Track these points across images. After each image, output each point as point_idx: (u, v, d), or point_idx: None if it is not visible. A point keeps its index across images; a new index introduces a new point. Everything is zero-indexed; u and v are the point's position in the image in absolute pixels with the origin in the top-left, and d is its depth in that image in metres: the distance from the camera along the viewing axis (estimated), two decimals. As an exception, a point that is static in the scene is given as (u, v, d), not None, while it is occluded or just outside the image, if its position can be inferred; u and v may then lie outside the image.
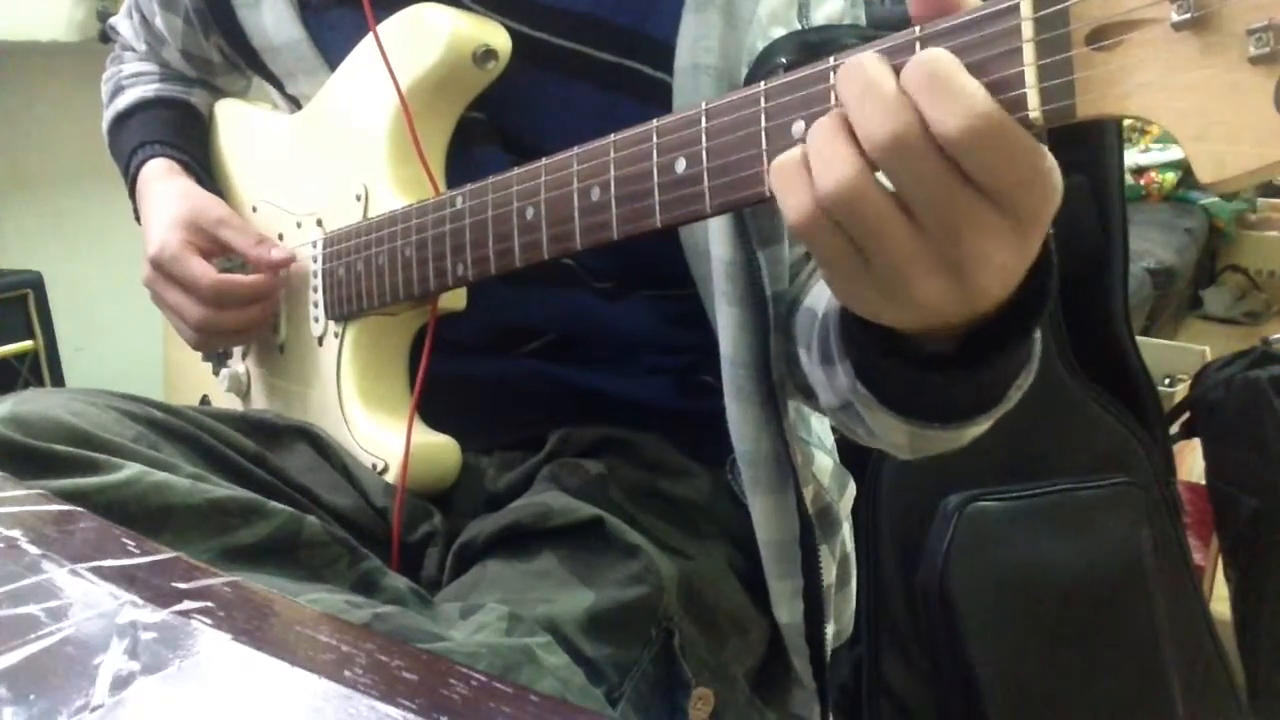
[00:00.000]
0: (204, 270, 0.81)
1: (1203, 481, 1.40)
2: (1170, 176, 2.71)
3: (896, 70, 0.43)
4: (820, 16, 0.67)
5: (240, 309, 0.82)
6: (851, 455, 0.83)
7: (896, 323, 0.49)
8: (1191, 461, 1.55)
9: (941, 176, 0.42)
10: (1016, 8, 0.41)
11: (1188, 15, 0.37)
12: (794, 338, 0.66)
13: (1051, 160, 0.43)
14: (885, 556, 1.16)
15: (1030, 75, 0.41)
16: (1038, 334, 0.54)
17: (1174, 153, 2.68)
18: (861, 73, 0.43)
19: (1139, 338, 1.25)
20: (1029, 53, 0.41)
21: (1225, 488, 1.30)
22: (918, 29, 0.44)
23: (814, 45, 0.64)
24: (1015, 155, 0.41)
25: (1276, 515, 1.24)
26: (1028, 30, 0.41)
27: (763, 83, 0.49)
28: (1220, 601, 1.36)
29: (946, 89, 0.41)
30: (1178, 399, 1.41)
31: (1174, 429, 1.30)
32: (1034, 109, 0.41)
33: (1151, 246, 2.31)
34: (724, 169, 0.51)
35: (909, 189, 0.43)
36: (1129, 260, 1.20)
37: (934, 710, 1.14)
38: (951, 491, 1.12)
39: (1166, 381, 1.63)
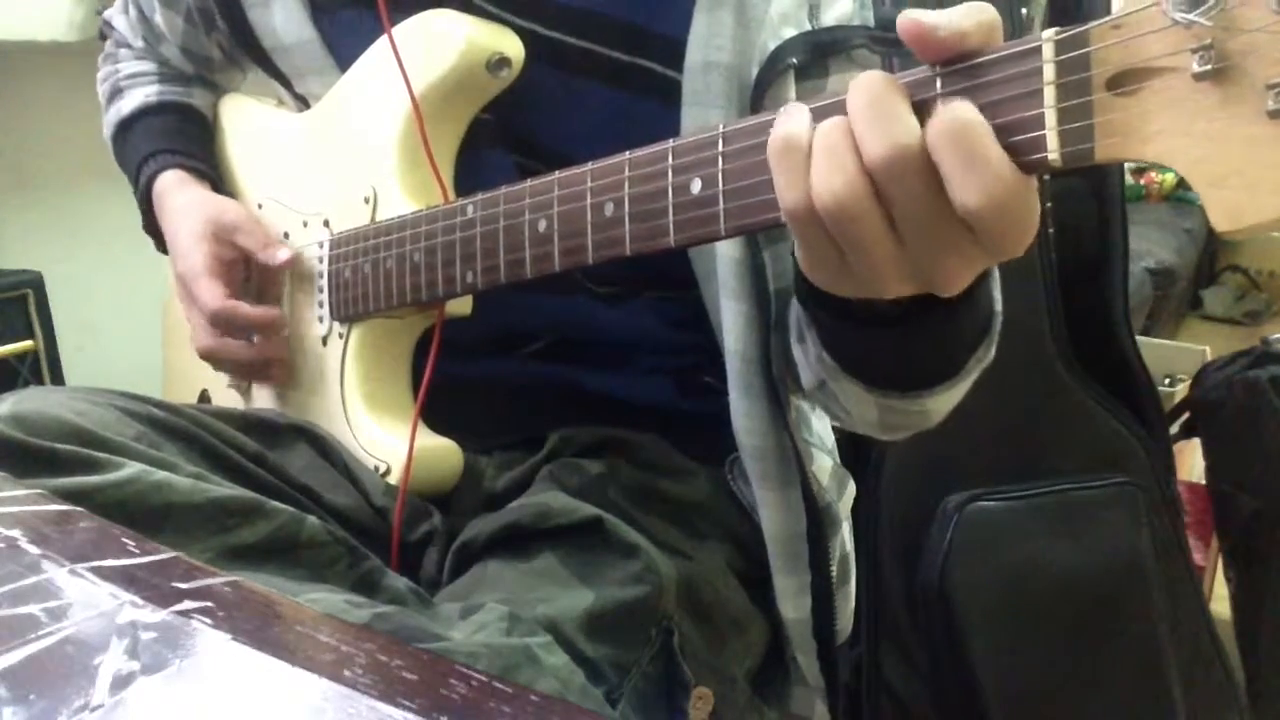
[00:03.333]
0: (210, 292, 0.80)
1: (1203, 481, 1.40)
2: (1170, 176, 2.71)
3: (913, 104, 0.44)
4: (830, 17, 0.67)
5: (243, 342, 0.82)
6: (851, 455, 0.83)
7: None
8: (1191, 461, 1.55)
9: (931, 200, 0.43)
10: (1038, 50, 0.41)
11: (1209, 67, 0.37)
12: (788, 329, 0.67)
13: (1035, 199, 0.43)
14: (885, 556, 1.16)
15: (1050, 118, 0.41)
16: (998, 308, 0.56)
17: (1174, 153, 2.67)
18: (870, 86, 0.44)
19: (1139, 338, 1.25)
20: (1050, 95, 0.41)
21: (1225, 488, 1.30)
22: (939, 66, 0.44)
23: (824, 45, 0.65)
24: (1014, 209, 0.42)
25: (1276, 515, 1.24)
26: (1049, 73, 0.41)
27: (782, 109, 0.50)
28: (1220, 601, 1.36)
29: (972, 156, 0.41)
30: (1178, 399, 1.40)
31: (1174, 429, 1.30)
32: (1053, 151, 0.41)
33: (1151, 246, 2.31)
34: (740, 192, 0.51)
35: (899, 205, 0.44)
36: (1129, 260, 1.20)
37: (934, 710, 1.14)
38: (951, 491, 1.12)
39: (1166, 381, 1.62)
